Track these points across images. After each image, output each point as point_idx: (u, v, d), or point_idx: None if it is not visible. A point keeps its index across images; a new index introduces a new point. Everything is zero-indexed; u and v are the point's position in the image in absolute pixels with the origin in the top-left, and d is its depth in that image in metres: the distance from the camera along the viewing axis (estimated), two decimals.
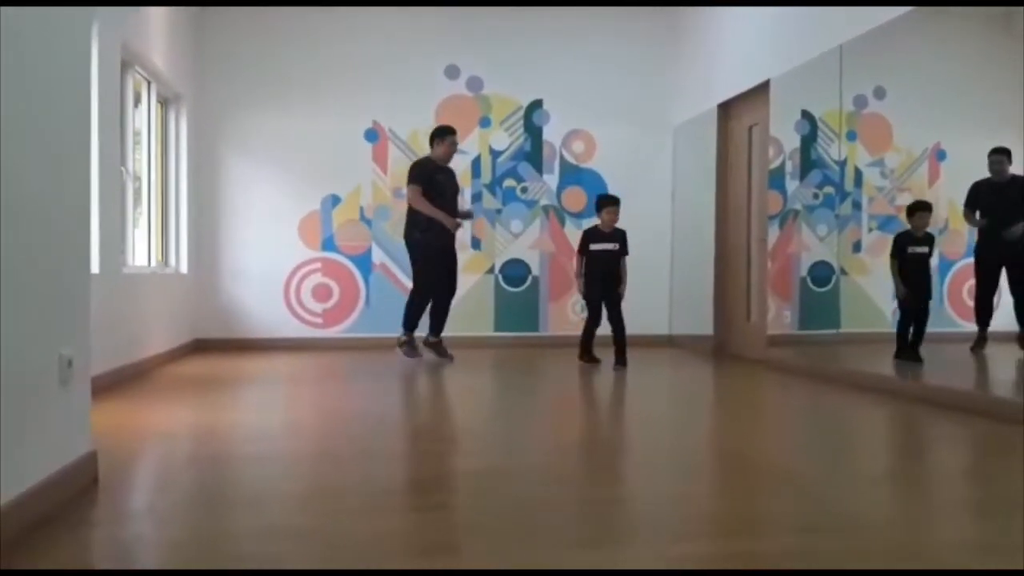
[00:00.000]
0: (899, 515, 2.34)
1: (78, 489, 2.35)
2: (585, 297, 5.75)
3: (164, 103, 6.34)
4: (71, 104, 2.38)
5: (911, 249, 4.98)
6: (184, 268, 6.61)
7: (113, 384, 4.56)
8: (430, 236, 5.76)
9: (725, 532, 2.18)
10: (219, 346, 6.80)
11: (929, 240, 4.99)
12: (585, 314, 5.84)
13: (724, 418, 4.17)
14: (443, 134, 5.96)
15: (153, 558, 1.97)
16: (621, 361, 5.60)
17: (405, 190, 5.94)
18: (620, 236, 5.69)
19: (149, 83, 5.90)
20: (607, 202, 5.74)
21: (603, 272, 5.63)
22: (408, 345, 5.86)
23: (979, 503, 2.40)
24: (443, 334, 5.91)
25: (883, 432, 3.78)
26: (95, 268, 4.34)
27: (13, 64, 1.99)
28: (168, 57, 6.02)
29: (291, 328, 7.00)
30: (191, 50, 6.71)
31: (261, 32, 6.96)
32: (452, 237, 5.88)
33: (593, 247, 5.65)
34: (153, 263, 6.06)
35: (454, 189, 6.00)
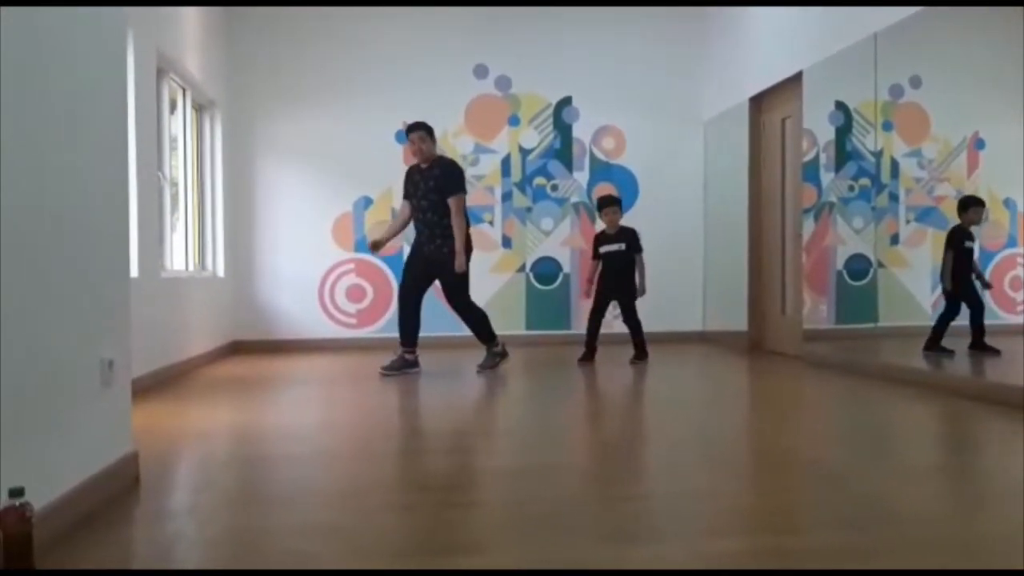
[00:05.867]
0: (940, 510, 2.30)
1: (120, 488, 2.40)
2: (587, 295, 5.83)
3: (199, 109, 6.45)
4: (108, 111, 2.43)
5: (966, 244, 4.99)
6: (221, 271, 6.71)
7: (153, 385, 4.65)
8: (414, 244, 5.34)
9: (763, 528, 2.16)
10: (256, 347, 6.89)
11: (974, 235, 4.96)
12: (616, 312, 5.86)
13: (760, 414, 4.12)
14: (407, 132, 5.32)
15: (193, 555, 2.00)
16: (640, 356, 5.72)
17: None
18: (627, 235, 5.73)
19: (184, 90, 6.00)
20: (606, 203, 5.79)
21: (615, 274, 5.70)
22: (397, 361, 5.17)
23: (1019, 495, 2.35)
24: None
25: (923, 427, 3.71)
26: (134, 272, 4.43)
27: (51, 72, 2.04)
28: (202, 64, 6.12)
29: (326, 329, 7.07)
30: (224, 56, 6.81)
31: (291, 37, 7.04)
32: (432, 237, 5.14)
33: (602, 250, 5.73)
34: (191, 267, 6.17)
35: (432, 190, 5.11)
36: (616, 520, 2.21)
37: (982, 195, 5.18)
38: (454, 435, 3.57)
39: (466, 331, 5.41)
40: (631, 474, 2.82)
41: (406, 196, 5.33)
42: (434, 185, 5.12)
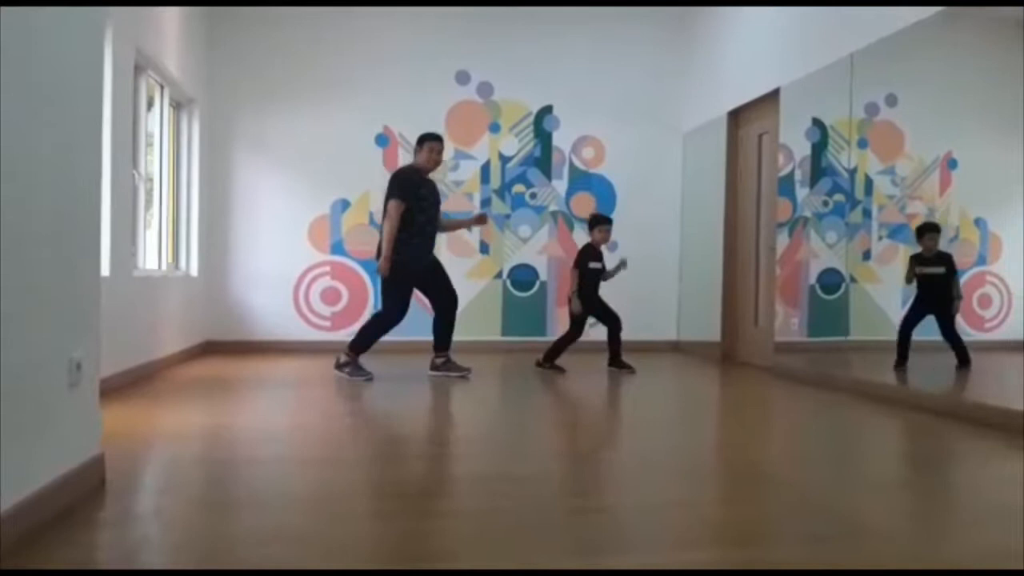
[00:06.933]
0: (906, 525, 2.33)
1: (86, 491, 2.37)
2: (577, 314, 5.72)
3: (177, 107, 6.39)
4: (83, 107, 2.40)
5: (919, 269, 5.08)
6: (195, 271, 6.65)
7: (123, 386, 4.59)
8: (407, 256, 5.10)
9: (730, 540, 2.17)
10: (229, 348, 6.84)
11: (943, 260, 5.01)
12: (596, 324, 5.89)
13: (730, 425, 4.16)
14: (424, 140, 5.26)
15: (158, 559, 1.98)
16: (622, 363, 5.75)
17: (387, 204, 5.14)
18: (601, 255, 5.86)
19: (162, 87, 5.95)
20: (601, 221, 5.82)
21: (598, 289, 5.77)
22: (351, 365, 5.19)
23: (986, 512, 2.39)
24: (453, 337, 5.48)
25: (890, 441, 3.76)
26: (106, 271, 4.38)
27: (26, 67, 2.02)
28: (181, 62, 6.07)
29: (300, 331, 7.03)
30: (203, 55, 6.76)
31: (272, 37, 7.00)
32: (432, 246, 5.31)
33: (592, 265, 5.75)
34: (164, 265, 6.10)
35: (438, 204, 5.37)
36: (585, 531, 2.22)
37: (953, 214, 5.28)
38: (425, 441, 3.56)
39: (429, 336, 5.41)
40: (601, 485, 2.83)
41: (405, 198, 5.08)
42: (437, 200, 5.36)
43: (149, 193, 5.81)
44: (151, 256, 5.85)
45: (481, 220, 5.63)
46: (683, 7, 7.41)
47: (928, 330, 5.00)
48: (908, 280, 5.12)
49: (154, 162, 5.98)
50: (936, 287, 5.01)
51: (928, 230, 5.10)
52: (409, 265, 5.13)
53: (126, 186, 4.89)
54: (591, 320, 5.81)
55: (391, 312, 5.19)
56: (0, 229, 1.87)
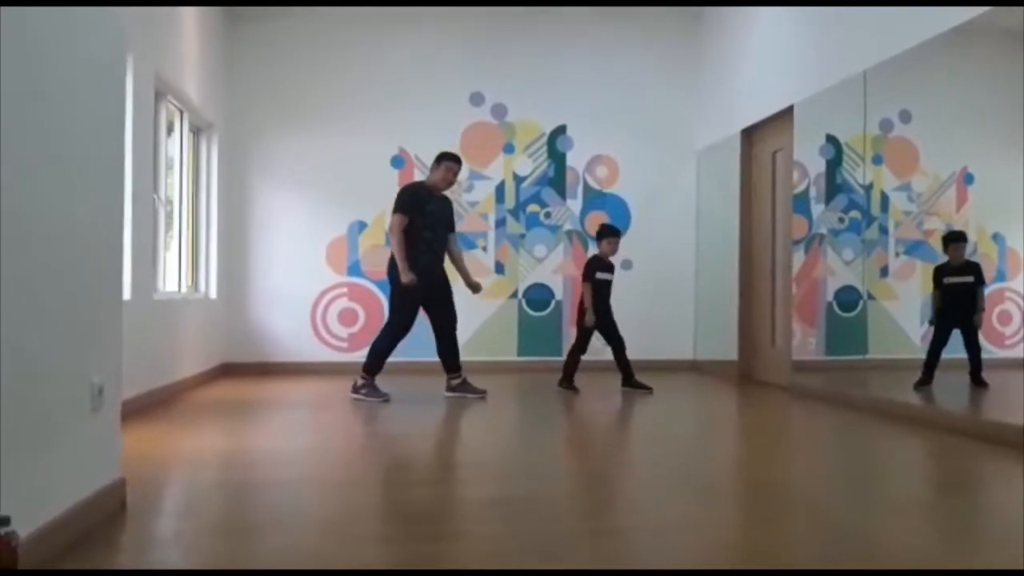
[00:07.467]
0: (926, 547, 2.31)
1: (106, 515, 2.39)
2: (590, 328, 5.68)
3: (196, 132, 6.49)
4: (106, 133, 2.45)
5: (945, 280, 5.03)
6: (213, 293, 6.71)
7: (142, 408, 4.63)
8: (415, 272, 5.11)
9: (745, 562, 2.16)
10: (247, 370, 6.88)
11: (971, 269, 4.97)
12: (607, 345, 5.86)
13: (747, 445, 4.13)
14: (442, 159, 5.35)
15: None
16: (634, 382, 5.72)
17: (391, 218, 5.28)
18: (612, 266, 5.88)
19: (182, 112, 6.04)
20: (611, 232, 5.81)
21: (607, 300, 5.74)
22: (368, 387, 5.22)
23: (1008, 533, 2.36)
24: (465, 358, 5.50)
25: (910, 461, 3.72)
26: (127, 294, 4.43)
27: (49, 95, 2.07)
28: (200, 87, 6.17)
29: (317, 352, 7.06)
30: (222, 80, 6.87)
31: (289, 62, 7.10)
32: (440, 263, 5.33)
33: (599, 276, 5.72)
34: (183, 288, 6.17)
35: (448, 222, 5.42)
36: (599, 553, 2.22)
37: (970, 229, 5.23)
38: (441, 463, 3.57)
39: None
40: (616, 506, 2.82)
41: (407, 212, 5.16)
42: (449, 217, 5.44)
43: (169, 216, 5.89)
44: (171, 279, 5.92)
45: (476, 289, 5.53)
46: (696, 17, 7.44)
47: (950, 348, 4.96)
48: (936, 289, 5.03)
49: (174, 186, 6.06)
50: (962, 298, 4.95)
51: (954, 240, 5.04)
52: (419, 279, 5.13)
53: (147, 210, 4.96)
54: (602, 341, 5.77)
55: (397, 326, 5.25)
56: (23, 255, 1.91)
